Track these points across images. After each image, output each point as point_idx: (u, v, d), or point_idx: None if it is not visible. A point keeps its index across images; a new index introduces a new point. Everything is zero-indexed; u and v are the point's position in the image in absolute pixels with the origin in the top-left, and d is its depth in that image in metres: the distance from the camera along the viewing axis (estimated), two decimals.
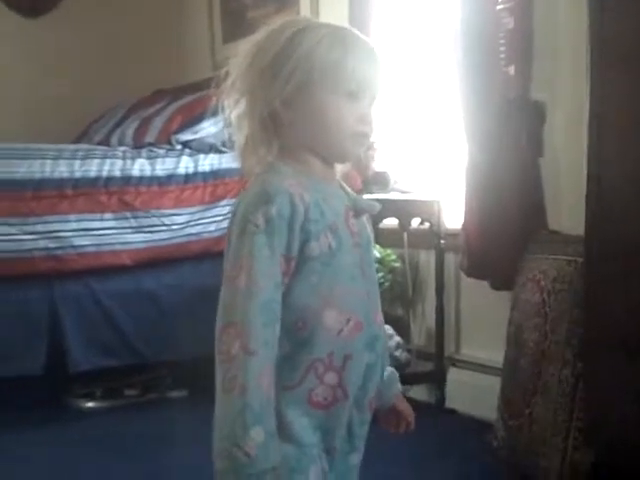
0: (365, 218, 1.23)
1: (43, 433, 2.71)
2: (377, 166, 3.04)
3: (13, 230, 2.78)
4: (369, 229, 1.24)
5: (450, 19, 2.63)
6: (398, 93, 3.07)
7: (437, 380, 2.95)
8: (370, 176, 3.00)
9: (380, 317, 1.23)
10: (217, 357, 1.09)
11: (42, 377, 2.88)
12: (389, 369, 1.32)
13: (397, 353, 2.90)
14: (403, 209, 2.90)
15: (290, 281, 1.11)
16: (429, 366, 2.96)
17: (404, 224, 2.92)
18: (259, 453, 1.04)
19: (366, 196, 2.90)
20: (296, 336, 1.12)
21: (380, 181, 2.95)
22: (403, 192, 2.98)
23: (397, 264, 3.07)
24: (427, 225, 2.94)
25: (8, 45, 4.34)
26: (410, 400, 2.97)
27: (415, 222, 2.95)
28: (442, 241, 2.92)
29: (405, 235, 3.02)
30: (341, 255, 1.14)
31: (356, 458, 1.23)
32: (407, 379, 2.97)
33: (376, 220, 2.83)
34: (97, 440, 2.63)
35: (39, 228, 2.82)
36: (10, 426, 2.74)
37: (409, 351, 2.95)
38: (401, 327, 3.04)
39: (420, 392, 3.02)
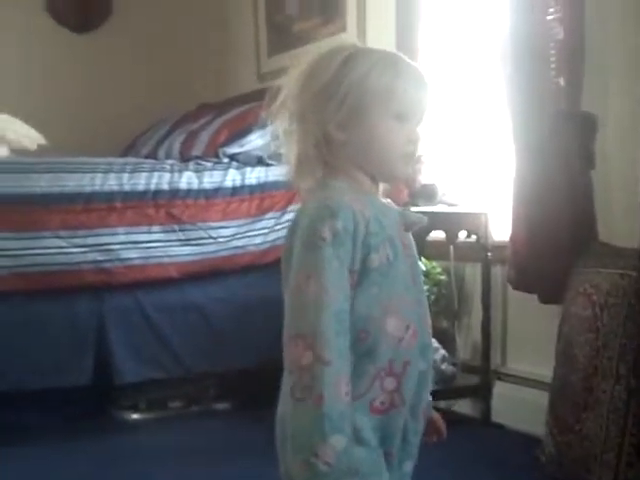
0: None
1: (89, 443, 2.73)
2: (424, 179, 3.03)
3: (63, 243, 2.81)
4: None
5: (499, 29, 2.62)
6: (446, 106, 3.06)
7: (483, 394, 2.92)
8: (417, 189, 2.99)
9: (430, 326, 1.25)
10: (286, 368, 1.11)
11: (89, 388, 2.91)
12: None
13: (443, 366, 2.88)
14: (450, 222, 2.89)
15: (353, 293, 1.13)
16: (475, 380, 2.94)
17: (451, 237, 2.90)
18: (339, 461, 1.06)
19: (413, 209, 2.89)
20: (360, 346, 1.13)
21: (427, 194, 2.93)
22: (450, 205, 2.96)
23: (443, 277, 3.06)
24: (474, 238, 2.92)
25: (57, 60, 4.41)
26: (455, 414, 2.98)
27: (462, 235, 2.93)
28: (489, 254, 2.89)
29: (451, 248, 3.00)
30: (397, 266, 1.18)
31: (410, 466, 1.24)
32: (452, 393, 2.96)
33: (422, 233, 2.82)
34: (141, 451, 2.64)
35: (89, 241, 2.85)
36: (57, 436, 2.76)
37: (454, 364, 2.93)
38: (446, 340, 3.02)
39: (465, 406, 2.99)
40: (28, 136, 3.43)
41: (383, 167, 1.22)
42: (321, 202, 1.16)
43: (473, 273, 3.03)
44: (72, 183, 2.90)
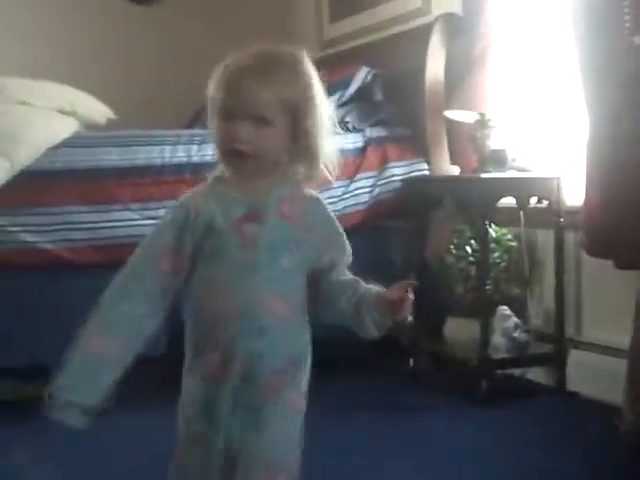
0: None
1: (163, 412, 2.77)
2: (493, 144, 2.98)
3: (135, 215, 2.84)
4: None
5: None
6: (516, 69, 2.99)
7: (557, 362, 2.87)
8: (486, 155, 2.95)
9: (276, 310, 1.35)
10: None
11: (163, 358, 2.95)
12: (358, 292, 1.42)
13: (515, 334, 2.85)
14: (520, 187, 2.85)
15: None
16: (548, 348, 2.90)
17: (522, 203, 2.85)
18: None
19: (483, 175, 2.85)
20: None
21: (497, 159, 2.89)
22: (521, 170, 2.91)
23: (514, 243, 3.02)
24: (545, 203, 2.87)
25: (122, 33, 4.44)
26: (529, 382, 2.95)
27: (533, 200, 2.88)
28: (561, 219, 2.84)
29: (522, 214, 2.96)
30: (227, 254, 1.34)
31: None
32: (526, 361, 2.93)
33: (491, 199, 2.79)
34: None
35: (159, 213, 2.86)
36: (131, 405, 2.81)
37: (527, 332, 2.90)
38: (518, 308, 2.99)
39: (539, 374, 2.96)
40: (97, 110, 3.47)
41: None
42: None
43: (545, 239, 2.98)
44: (142, 156, 2.92)
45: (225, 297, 1.33)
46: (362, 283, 1.43)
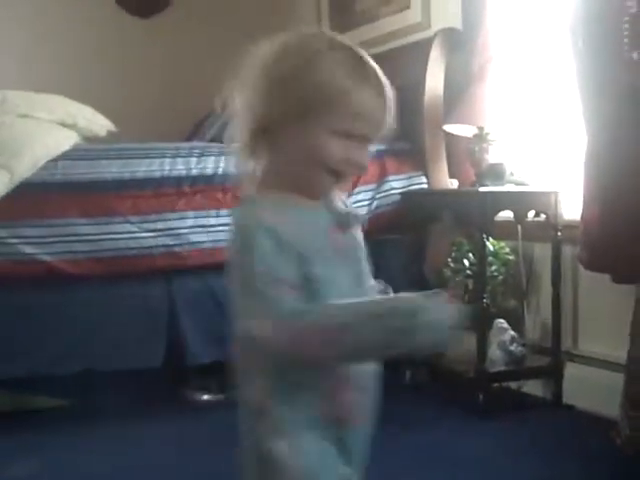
0: None
1: (160, 424, 2.78)
2: (492, 158, 3.00)
3: (134, 228, 2.86)
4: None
5: (569, 4, 2.57)
6: (514, 82, 3.01)
7: (554, 375, 2.89)
8: (484, 168, 2.96)
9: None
10: None
11: (161, 370, 2.96)
12: None
13: (512, 347, 2.86)
14: (518, 201, 2.86)
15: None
16: (545, 361, 2.91)
17: (519, 216, 2.87)
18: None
19: (481, 189, 2.87)
20: None
21: (495, 173, 2.91)
22: (519, 184, 2.92)
23: (511, 257, 3.03)
24: (543, 217, 2.88)
25: (121, 46, 4.46)
26: (525, 395, 2.96)
27: (531, 214, 2.89)
28: (559, 233, 2.85)
29: (519, 227, 2.97)
30: (330, 275, 1.16)
31: None
32: (522, 374, 2.94)
33: (490, 213, 2.80)
34: (212, 431, 2.66)
35: (159, 225, 2.89)
36: (128, 417, 2.82)
37: (524, 345, 2.90)
38: (515, 321, 3.00)
39: (535, 387, 2.97)
40: (98, 122, 3.48)
41: (303, 177, 1.16)
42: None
43: (543, 253, 3.00)
44: (142, 169, 2.93)
45: None
46: None
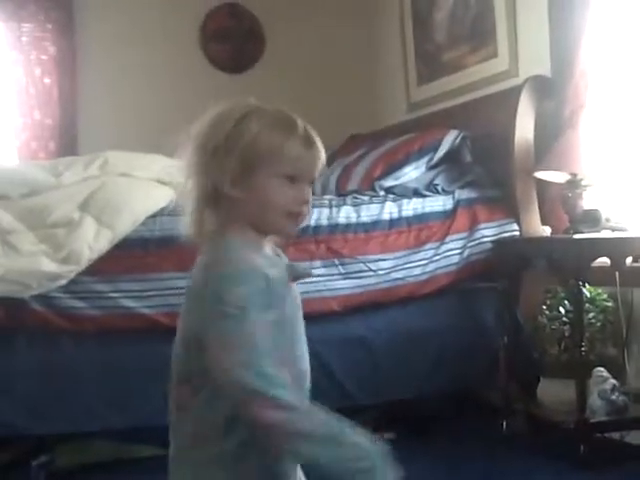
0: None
1: None
2: (586, 204, 2.96)
3: None
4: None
5: None
6: (605, 128, 2.98)
7: None
8: (578, 215, 2.93)
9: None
10: None
11: None
12: None
13: (613, 396, 2.78)
14: (615, 247, 2.81)
15: None
16: None
17: (617, 262, 2.82)
18: None
19: (576, 236, 2.83)
20: None
21: (590, 219, 2.87)
22: (616, 229, 2.88)
23: (609, 303, 2.97)
24: None
25: (212, 101, 4.58)
26: (629, 446, 2.87)
27: (628, 260, 2.84)
28: None
29: (617, 274, 2.92)
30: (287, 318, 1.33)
31: None
32: (625, 424, 2.85)
33: (586, 259, 2.76)
34: None
35: None
36: None
37: (626, 394, 2.83)
38: (616, 369, 2.92)
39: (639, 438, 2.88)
40: None
41: (268, 224, 1.33)
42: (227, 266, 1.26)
43: None
44: None
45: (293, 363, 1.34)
46: None
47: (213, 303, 1.23)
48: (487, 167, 3.46)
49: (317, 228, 3.08)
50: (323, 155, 1.35)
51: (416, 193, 3.30)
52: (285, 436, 1.19)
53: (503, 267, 3.14)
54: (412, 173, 3.37)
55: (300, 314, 1.38)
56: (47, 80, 4.32)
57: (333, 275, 3.04)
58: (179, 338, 1.34)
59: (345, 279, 3.05)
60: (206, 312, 1.24)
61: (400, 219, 3.20)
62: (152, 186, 3.05)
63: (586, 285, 2.85)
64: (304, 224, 1.40)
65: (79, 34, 4.40)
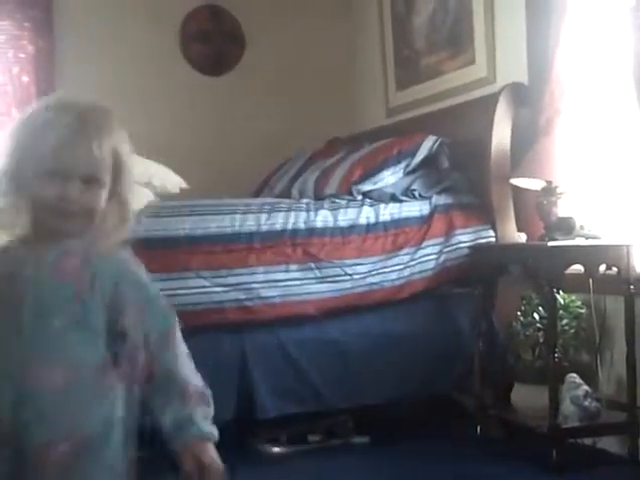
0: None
1: (231, 476, 2.79)
2: (561, 212, 2.99)
3: (206, 283, 2.91)
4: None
5: (635, 55, 2.57)
6: (582, 134, 3.01)
7: (630, 431, 2.82)
8: (553, 222, 2.95)
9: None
10: None
11: (230, 422, 2.98)
12: (182, 412, 1.39)
13: (586, 402, 2.81)
14: (589, 255, 2.84)
15: None
16: (621, 416, 2.85)
17: (591, 270, 2.84)
18: None
19: (550, 243, 2.86)
20: None
21: (564, 227, 2.90)
22: (590, 237, 2.90)
23: (582, 310, 3.00)
24: (615, 270, 2.85)
25: (192, 103, 4.58)
26: (600, 452, 2.90)
27: (602, 267, 2.86)
28: (632, 287, 2.81)
29: (590, 281, 2.94)
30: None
31: None
32: (597, 430, 2.88)
33: (560, 267, 2.78)
34: None
35: (230, 280, 2.94)
36: None
37: (598, 400, 2.86)
38: (588, 375, 2.95)
39: (611, 443, 2.91)
40: (171, 180, 3.58)
41: (41, 222, 1.32)
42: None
43: (615, 306, 2.95)
44: (214, 225, 3.00)
45: None
46: (190, 406, 1.41)
47: None
48: (464, 173, 3.48)
49: (294, 231, 3.09)
50: (89, 150, 1.32)
51: (393, 198, 3.31)
52: None
53: (479, 273, 3.16)
54: (390, 178, 3.38)
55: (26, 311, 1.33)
56: (25, 78, 4.29)
57: (310, 279, 3.05)
58: None
59: (321, 283, 3.06)
60: None
61: (377, 224, 3.21)
62: None
63: (560, 292, 2.88)
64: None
65: (57, 32, 4.37)
